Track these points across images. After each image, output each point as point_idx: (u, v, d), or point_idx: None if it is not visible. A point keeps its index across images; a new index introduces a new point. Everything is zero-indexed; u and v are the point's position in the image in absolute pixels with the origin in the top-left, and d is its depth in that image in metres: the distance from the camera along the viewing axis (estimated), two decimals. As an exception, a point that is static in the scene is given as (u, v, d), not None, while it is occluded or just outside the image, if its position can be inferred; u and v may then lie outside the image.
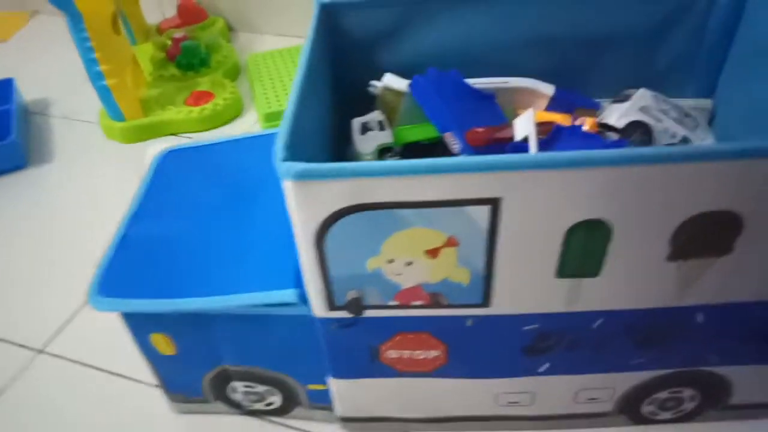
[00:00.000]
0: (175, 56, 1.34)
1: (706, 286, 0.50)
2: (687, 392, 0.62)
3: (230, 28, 1.64)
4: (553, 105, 0.73)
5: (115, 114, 1.21)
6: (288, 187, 0.44)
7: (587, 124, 0.69)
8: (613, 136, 0.71)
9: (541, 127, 0.69)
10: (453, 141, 0.61)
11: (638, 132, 0.68)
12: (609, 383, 0.60)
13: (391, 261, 0.49)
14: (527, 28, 0.71)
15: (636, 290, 0.51)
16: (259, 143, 0.75)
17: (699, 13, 0.69)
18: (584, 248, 0.47)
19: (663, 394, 0.62)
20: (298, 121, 0.49)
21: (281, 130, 0.46)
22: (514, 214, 0.45)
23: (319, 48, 0.64)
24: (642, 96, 0.69)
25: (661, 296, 0.51)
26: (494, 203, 0.44)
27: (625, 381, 0.60)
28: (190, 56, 1.32)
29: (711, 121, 0.75)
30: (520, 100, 0.74)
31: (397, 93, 0.66)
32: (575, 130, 0.61)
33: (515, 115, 0.75)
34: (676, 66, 0.73)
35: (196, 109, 1.22)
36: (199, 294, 0.56)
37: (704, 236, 0.47)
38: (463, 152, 0.60)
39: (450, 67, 0.72)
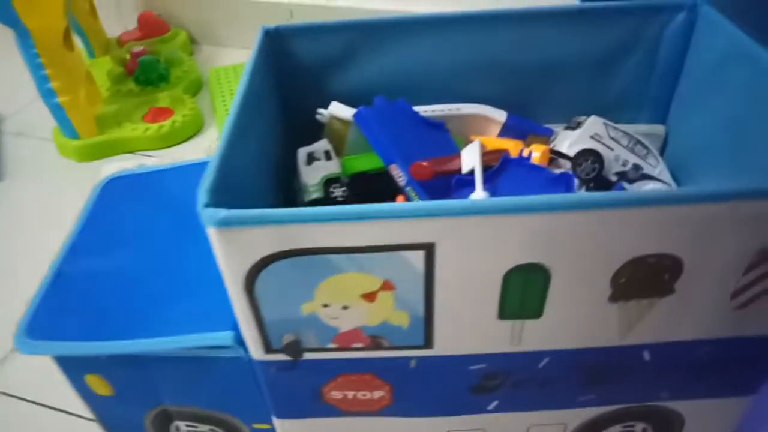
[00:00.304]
0: (134, 71, 1.31)
1: (649, 326, 0.49)
2: (639, 426, 0.61)
3: (193, 41, 1.61)
4: (506, 132, 0.72)
5: (69, 131, 1.17)
6: (212, 234, 0.42)
7: (539, 151, 0.68)
8: (565, 165, 0.70)
9: (493, 155, 0.69)
10: (398, 174, 0.60)
11: (589, 160, 0.68)
12: (560, 419, 0.59)
13: (326, 305, 0.47)
14: (478, 55, 0.70)
15: (579, 331, 0.50)
16: (207, 170, 0.73)
17: (649, 41, 0.69)
18: (523, 291, 0.46)
19: (616, 429, 0.61)
20: (229, 161, 0.47)
21: (207, 173, 0.44)
22: (449, 258, 0.44)
23: (263, 75, 0.63)
24: (593, 123, 0.69)
25: (605, 336, 0.50)
26: (429, 248, 0.43)
27: (576, 417, 0.59)
28: (148, 71, 1.29)
29: (664, 147, 0.75)
30: (473, 127, 0.73)
31: (345, 122, 0.65)
32: (522, 161, 0.60)
33: (468, 142, 0.74)
34: (628, 93, 0.73)
35: (154, 126, 1.19)
36: (134, 335, 0.54)
37: (644, 278, 0.46)
38: (408, 185, 0.59)
39: (401, 94, 0.70)
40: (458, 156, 0.60)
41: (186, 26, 1.60)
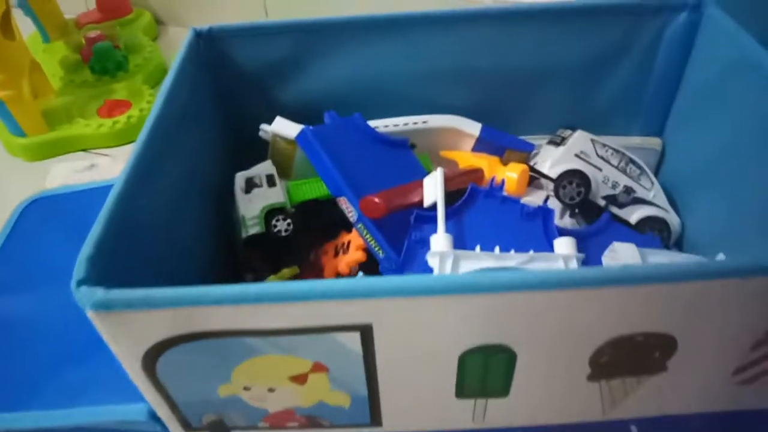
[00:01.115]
0: (90, 58, 1.20)
1: (637, 402, 0.42)
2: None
3: (159, 22, 1.50)
4: (480, 146, 0.63)
5: (15, 129, 1.07)
6: (91, 316, 0.33)
7: (516, 171, 0.59)
8: (547, 186, 0.61)
9: (464, 177, 0.60)
10: (348, 207, 0.51)
11: (573, 183, 0.59)
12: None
13: (247, 388, 0.39)
14: (449, 60, 0.60)
15: (556, 407, 0.42)
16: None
17: (647, 44, 0.60)
18: (484, 371, 0.38)
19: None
20: (127, 215, 0.38)
21: (90, 235, 0.35)
22: (391, 339, 0.36)
23: (195, 85, 0.54)
24: (578, 140, 0.60)
25: (587, 411, 0.43)
26: (365, 329, 0.35)
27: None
28: (104, 59, 1.18)
29: (660, 163, 0.66)
30: (442, 141, 0.64)
31: (291, 141, 0.56)
32: (493, 192, 0.52)
33: (437, 160, 0.65)
34: (621, 102, 0.64)
35: (108, 121, 1.09)
36: (35, 406, 0.46)
37: (630, 357, 0.38)
38: (359, 222, 0.51)
39: (359, 105, 0.61)
40: (420, 185, 0.52)
41: (150, 6, 1.48)
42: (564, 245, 0.48)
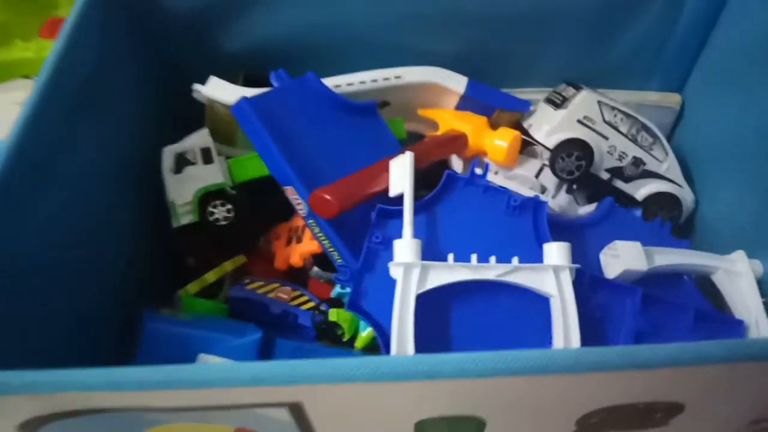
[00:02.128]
0: (27, -36, 1.04)
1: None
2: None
3: None
4: (465, 104, 0.53)
5: (-56, 52, 0.94)
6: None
7: (506, 140, 0.50)
8: (543, 153, 0.52)
9: (444, 147, 0.50)
10: (296, 199, 0.42)
11: (573, 155, 0.50)
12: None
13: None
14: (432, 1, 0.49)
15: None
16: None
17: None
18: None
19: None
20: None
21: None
22: (328, 413, 0.28)
23: (103, 38, 0.42)
24: (583, 102, 0.49)
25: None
26: (293, 406, 0.27)
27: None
28: (43, -33, 1.02)
29: (677, 123, 0.56)
30: (422, 98, 0.54)
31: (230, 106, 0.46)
32: (475, 181, 0.42)
33: (415, 119, 0.55)
34: (638, 54, 0.53)
35: (50, 43, 0.96)
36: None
37: (626, 419, 0.31)
38: (309, 218, 0.42)
39: (319, 57, 0.51)
40: (385, 168, 0.42)
41: None
42: (555, 253, 0.39)
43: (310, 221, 0.42)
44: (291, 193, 0.42)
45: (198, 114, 0.49)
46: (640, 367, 0.24)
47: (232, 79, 0.52)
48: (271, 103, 0.42)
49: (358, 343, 0.43)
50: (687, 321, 0.42)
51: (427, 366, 0.24)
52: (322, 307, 0.44)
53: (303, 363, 0.24)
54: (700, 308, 0.42)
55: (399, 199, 0.41)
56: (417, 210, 0.41)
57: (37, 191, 0.34)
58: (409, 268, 0.38)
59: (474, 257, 0.39)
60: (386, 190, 0.42)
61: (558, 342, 0.38)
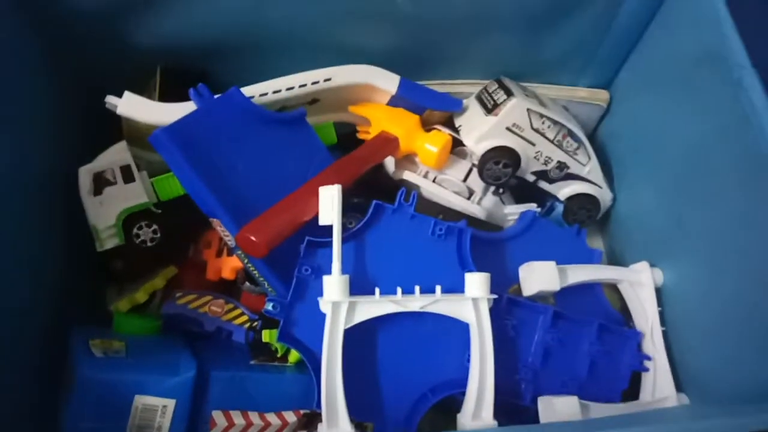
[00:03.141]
0: None
1: None
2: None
3: None
4: (398, 102, 0.52)
5: None
6: None
7: (437, 144, 0.50)
8: (472, 155, 0.52)
9: (376, 153, 0.50)
10: (224, 232, 0.42)
11: (501, 163, 0.51)
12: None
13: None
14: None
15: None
16: None
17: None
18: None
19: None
20: None
21: None
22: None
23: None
24: (512, 110, 0.50)
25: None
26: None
27: None
28: None
29: (603, 119, 0.58)
30: (353, 97, 0.52)
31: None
32: (402, 211, 0.43)
33: (351, 117, 0.54)
34: (573, 52, 0.53)
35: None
36: None
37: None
38: (237, 250, 0.42)
39: (241, 55, 0.48)
40: (314, 193, 0.42)
41: None
42: (476, 285, 0.41)
43: (239, 252, 0.42)
44: (218, 225, 0.42)
45: (114, 123, 0.46)
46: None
47: (148, 75, 0.49)
48: (192, 129, 0.41)
49: (292, 358, 0.46)
50: (591, 334, 0.46)
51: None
52: (256, 325, 0.46)
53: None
54: (603, 322, 0.46)
55: (326, 229, 0.42)
56: (345, 239, 0.42)
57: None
58: (338, 305, 0.40)
59: (399, 290, 0.41)
60: (315, 218, 0.42)
61: (474, 363, 0.42)
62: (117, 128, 0.48)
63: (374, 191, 0.52)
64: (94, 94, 0.46)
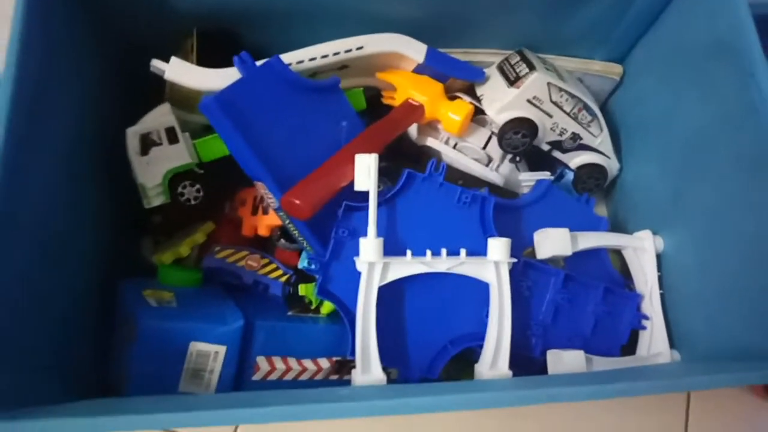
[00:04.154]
0: None
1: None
2: None
3: None
4: (423, 70, 0.54)
5: None
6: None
7: (460, 114, 0.53)
8: (492, 123, 0.55)
9: (404, 120, 0.53)
10: (267, 194, 0.44)
11: (520, 133, 0.54)
12: None
13: None
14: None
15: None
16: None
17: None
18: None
19: None
20: None
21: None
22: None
23: (52, 26, 0.40)
24: (534, 83, 0.52)
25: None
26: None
27: None
28: None
29: (616, 89, 0.60)
30: (381, 64, 0.54)
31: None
32: (432, 179, 0.46)
33: (377, 83, 0.56)
34: (592, 29, 0.55)
35: None
36: None
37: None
38: (279, 211, 0.45)
39: (280, 24, 0.49)
40: (350, 160, 0.45)
41: None
42: (497, 249, 0.45)
43: (281, 213, 0.45)
44: (262, 188, 0.45)
45: (155, 85, 0.48)
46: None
47: (184, 37, 0.51)
48: (238, 97, 0.43)
49: (324, 310, 0.50)
50: (596, 296, 0.51)
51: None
52: (291, 279, 0.50)
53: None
54: (608, 284, 0.51)
55: (361, 193, 0.45)
56: (379, 205, 0.45)
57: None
58: (373, 265, 0.43)
59: (429, 253, 0.45)
60: (352, 184, 0.45)
61: (493, 319, 0.46)
62: (154, 89, 0.50)
63: (397, 155, 0.56)
64: (133, 56, 0.48)
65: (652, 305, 0.51)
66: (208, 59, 0.48)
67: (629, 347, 0.52)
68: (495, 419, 0.58)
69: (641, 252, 0.53)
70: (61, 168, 0.41)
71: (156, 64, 0.45)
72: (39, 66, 0.38)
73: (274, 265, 0.51)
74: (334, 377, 0.48)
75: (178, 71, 0.45)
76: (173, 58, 0.45)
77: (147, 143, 0.46)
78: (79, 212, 0.43)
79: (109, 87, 0.48)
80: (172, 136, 0.47)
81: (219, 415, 0.30)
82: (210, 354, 0.42)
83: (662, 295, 0.52)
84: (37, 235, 0.37)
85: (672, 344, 0.51)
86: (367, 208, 0.44)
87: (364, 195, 0.44)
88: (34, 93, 0.37)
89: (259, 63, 0.46)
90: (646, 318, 0.51)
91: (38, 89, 0.38)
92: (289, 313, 0.48)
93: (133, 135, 0.46)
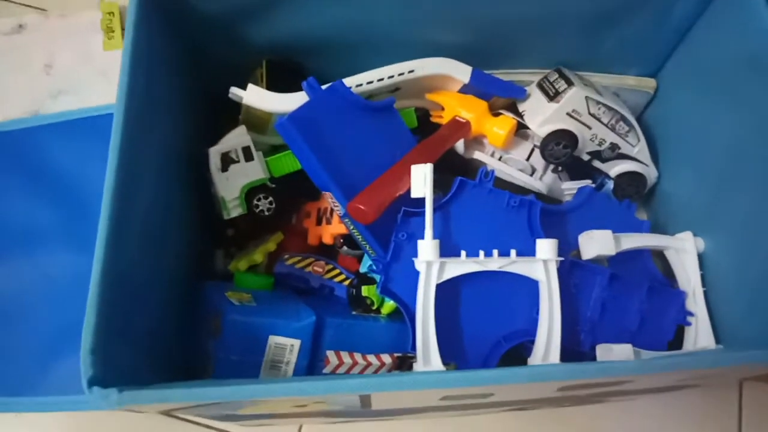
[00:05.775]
0: None
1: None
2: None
3: None
4: (468, 90, 0.59)
5: None
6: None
7: (504, 128, 0.57)
8: (534, 137, 0.59)
9: (452, 137, 0.57)
10: (334, 203, 0.49)
11: (561, 144, 0.58)
12: None
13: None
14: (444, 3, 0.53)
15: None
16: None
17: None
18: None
19: None
20: (117, 277, 0.37)
21: (86, 329, 0.35)
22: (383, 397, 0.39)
23: (154, 55, 0.46)
24: (572, 98, 0.56)
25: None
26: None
27: None
28: None
29: (650, 104, 0.64)
30: (430, 85, 0.59)
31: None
32: (482, 186, 0.51)
33: (426, 103, 0.61)
34: (626, 47, 0.59)
35: None
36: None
37: (596, 386, 0.43)
38: (345, 217, 0.50)
39: (342, 52, 0.55)
40: (406, 170, 0.50)
41: None
42: (546, 249, 0.49)
43: (346, 220, 0.50)
44: (330, 197, 0.50)
45: (226, 106, 0.54)
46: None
47: (254, 66, 0.57)
48: (307, 117, 0.48)
49: (385, 310, 0.54)
50: (641, 294, 0.53)
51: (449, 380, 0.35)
52: (355, 283, 0.54)
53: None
54: (652, 283, 0.54)
55: (418, 200, 0.49)
56: (434, 210, 0.50)
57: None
58: (431, 264, 0.48)
59: (482, 253, 0.49)
60: (408, 192, 0.50)
61: (544, 315, 0.50)
62: (227, 114, 0.56)
63: (445, 168, 0.60)
64: (212, 84, 0.54)
65: (695, 302, 0.54)
66: (276, 85, 0.54)
67: (675, 343, 0.54)
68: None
69: (683, 252, 0.56)
70: (158, 176, 0.46)
71: (235, 91, 0.52)
72: (144, 91, 0.44)
73: (337, 270, 0.56)
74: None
75: (254, 97, 0.51)
76: (250, 85, 0.51)
77: (226, 161, 0.52)
78: (172, 216, 0.49)
79: (191, 111, 0.54)
80: (248, 155, 0.52)
81: (313, 385, 0.34)
82: (287, 347, 0.47)
83: (705, 293, 0.54)
84: (142, 231, 0.42)
85: (717, 340, 0.53)
86: (423, 213, 0.49)
87: (420, 201, 0.49)
88: (139, 114, 0.43)
89: (324, 87, 0.51)
90: (691, 314, 0.54)
91: (143, 112, 0.44)
92: (354, 313, 0.53)
93: (215, 153, 0.52)
